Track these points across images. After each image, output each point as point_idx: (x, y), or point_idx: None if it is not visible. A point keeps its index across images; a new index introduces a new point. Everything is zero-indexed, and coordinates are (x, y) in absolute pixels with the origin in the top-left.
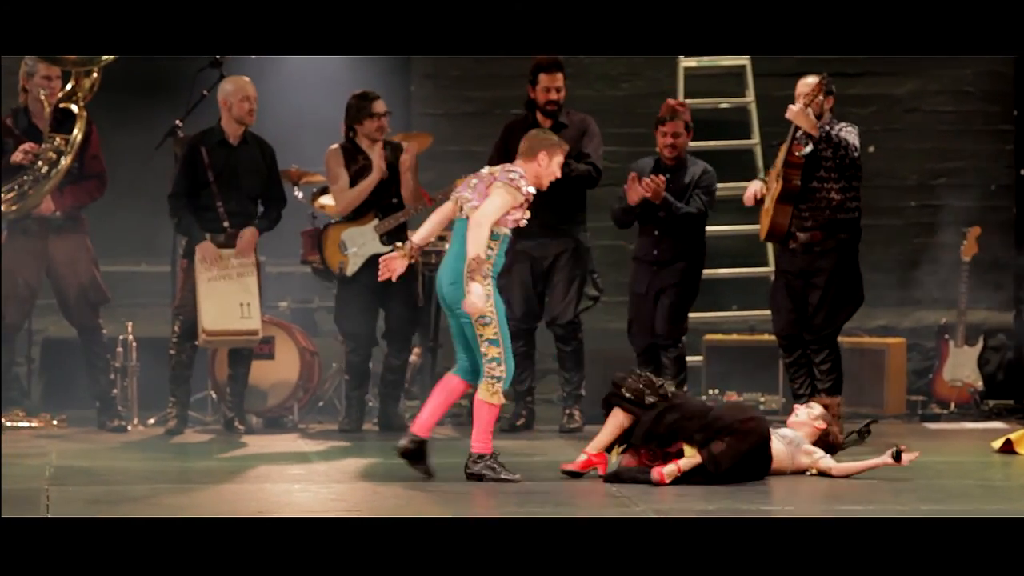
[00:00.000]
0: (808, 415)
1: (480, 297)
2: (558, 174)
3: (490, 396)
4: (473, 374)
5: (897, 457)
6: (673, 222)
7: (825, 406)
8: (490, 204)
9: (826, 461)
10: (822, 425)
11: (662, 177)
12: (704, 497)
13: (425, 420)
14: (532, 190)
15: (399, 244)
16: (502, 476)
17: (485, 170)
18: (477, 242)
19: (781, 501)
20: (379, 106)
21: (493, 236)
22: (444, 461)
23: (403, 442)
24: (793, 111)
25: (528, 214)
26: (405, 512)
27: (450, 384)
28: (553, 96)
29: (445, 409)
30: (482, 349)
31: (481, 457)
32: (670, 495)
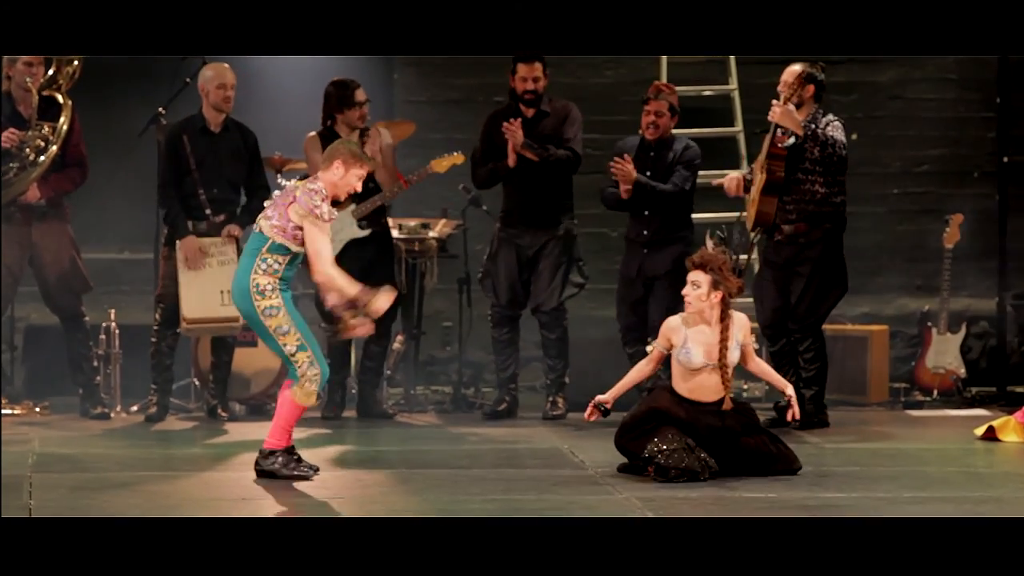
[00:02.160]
0: (697, 296)
1: (385, 302)
2: (356, 187)
3: (304, 397)
4: (323, 386)
5: (785, 410)
6: (658, 202)
7: (703, 263)
8: (318, 248)
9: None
10: (717, 299)
11: (628, 156)
12: (687, 487)
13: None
14: (334, 213)
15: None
16: (295, 472)
17: (290, 183)
18: (342, 287)
19: (763, 487)
20: (360, 95)
21: (283, 251)
22: (428, 448)
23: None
24: (776, 112)
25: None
26: (388, 499)
27: (285, 395)
28: (530, 86)
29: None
30: (291, 358)
31: (273, 453)
32: (653, 484)
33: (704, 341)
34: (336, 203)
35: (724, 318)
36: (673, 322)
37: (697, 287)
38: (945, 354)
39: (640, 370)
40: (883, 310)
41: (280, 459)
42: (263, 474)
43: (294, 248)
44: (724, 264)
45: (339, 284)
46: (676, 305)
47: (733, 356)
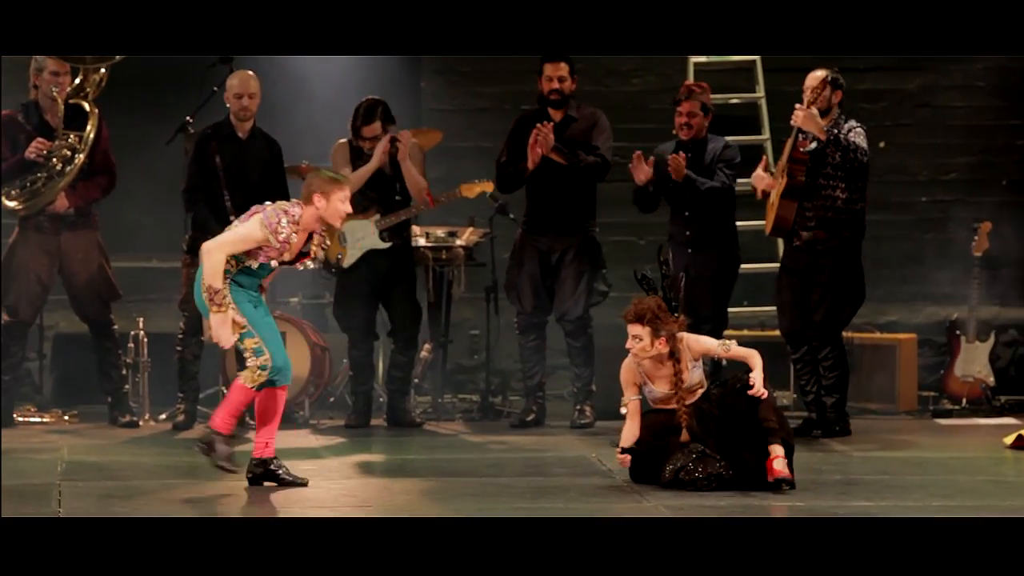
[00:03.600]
0: (642, 348)
1: (221, 327)
2: (346, 209)
3: (248, 377)
4: (277, 372)
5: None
6: (701, 201)
7: (637, 316)
8: (228, 233)
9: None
10: (663, 346)
11: (683, 154)
12: (716, 496)
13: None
14: (293, 237)
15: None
16: (220, 464)
17: (268, 203)
18: (207, 271)
19: (791, 495)
20: (369, 131)
21: (238, 260)
22: (453, 456)
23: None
24: (799, 116)
25: (306, 264)
26: (415, 507)
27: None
28: (556, 85)
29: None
30: (246, 356)
31: (217, 433)
32: (681, 492)
33: (663, 375)
34: (362, 209)
35: (673, 352)
36: (628, 367)
37: (639, 340)
38: (974, 362)
39: (631, 428)
40: (911, 318)
41: (219, 440)
42: (200, 447)
43: (250, 264)
44: (657, 309)
45: (208, 263)
46: (720, 308)
47: (693, 377)
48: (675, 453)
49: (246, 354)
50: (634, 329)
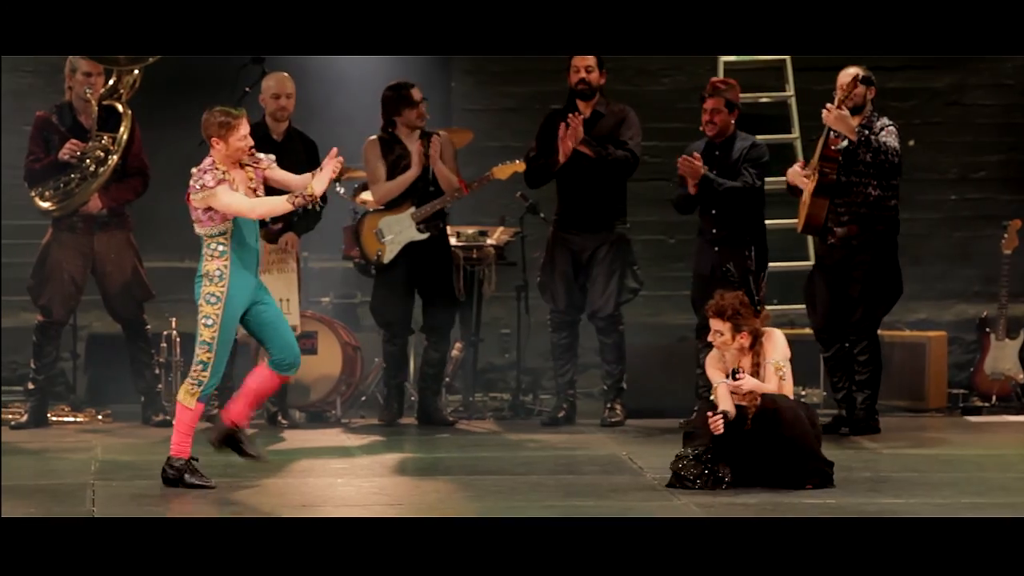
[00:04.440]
0: (723, 343)
1: (320, 183)
2: (247, 143)
3: (185, 396)
4: (280, 367)
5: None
6: (727, 200)
7: (718, 312)
8: (234, 207)
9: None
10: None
11: (696, 155)
12: (747, 493)
13: (238, 408)
14: (213, 179)
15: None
16: (193, 482)
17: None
18: (273, 209)
19: (821, 494)
20: (416, 93)
21: (214, 232)
22: (484, 455)
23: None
24: (831, 117)
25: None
26: (446, 505)
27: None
28: (583, 75)
29: (256, 398)
30: (196, 350)
31: (178, 460)
32: (710, 491)
33: (744, 365)
34: (396, 204)
35: (755, 345)
36: (714, 356)
37: (720, 335)
38: (1004, 360)
39: (726, 405)
40: (941, 316)
41: (179, 466)
42: (167, 482)
43: (220, 227)
44: (739, 304)
45: (269, 207)
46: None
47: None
48: (693, 440)
49: (195, 361)
50: (715, 324)
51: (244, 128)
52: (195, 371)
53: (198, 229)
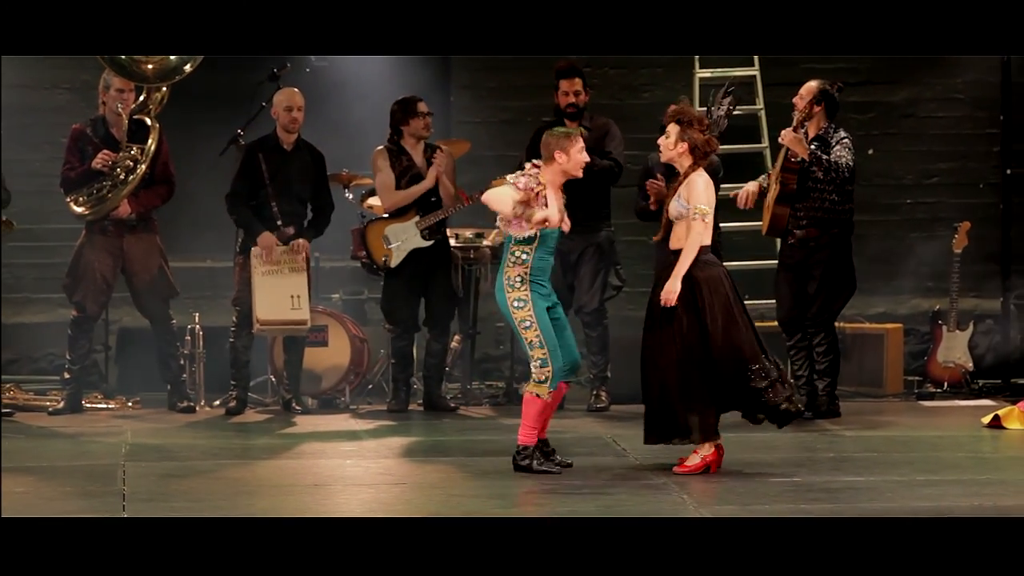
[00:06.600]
0: (664, 144)
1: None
2: (584, 159)
3: (536, 388)
4: (564, 372)
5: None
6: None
7: (676, 115)
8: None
9: None
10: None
11: (660, 177)
12: (718, 476)
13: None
14: (527, 185)
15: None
16: (540, 468)
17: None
18: (503, 198)
19: (787, 471)
20: (423, 106)
21: (519, 240)
22: (481, 438)
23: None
24: (787, 138)
25: (543, 216)
26: (447, 483)
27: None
28: (571, 99)
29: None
30: (529, 351)
31: (525, 449)
32: (690, 475)
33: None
34: (401, 213)
35: (686, 174)
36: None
37: (667, 137)
38: (954, 350)
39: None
40: (898, 310)
41: (528, 453)
42: (519, 468)
43: (527, 234)
44: (696, 119)
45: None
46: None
47: (674, 208)
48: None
49: (532, 361)
50: (668, 125)
51: (582, 144)
52: (538, 371)
53: (507, 231)
